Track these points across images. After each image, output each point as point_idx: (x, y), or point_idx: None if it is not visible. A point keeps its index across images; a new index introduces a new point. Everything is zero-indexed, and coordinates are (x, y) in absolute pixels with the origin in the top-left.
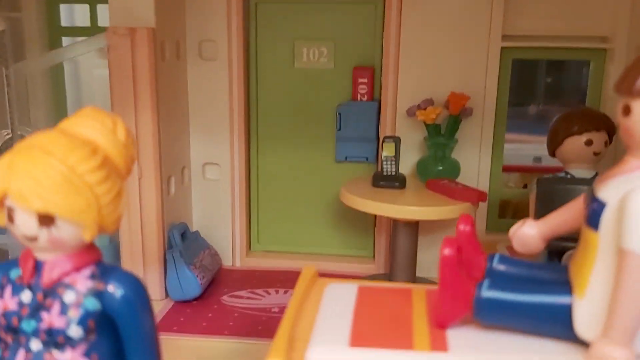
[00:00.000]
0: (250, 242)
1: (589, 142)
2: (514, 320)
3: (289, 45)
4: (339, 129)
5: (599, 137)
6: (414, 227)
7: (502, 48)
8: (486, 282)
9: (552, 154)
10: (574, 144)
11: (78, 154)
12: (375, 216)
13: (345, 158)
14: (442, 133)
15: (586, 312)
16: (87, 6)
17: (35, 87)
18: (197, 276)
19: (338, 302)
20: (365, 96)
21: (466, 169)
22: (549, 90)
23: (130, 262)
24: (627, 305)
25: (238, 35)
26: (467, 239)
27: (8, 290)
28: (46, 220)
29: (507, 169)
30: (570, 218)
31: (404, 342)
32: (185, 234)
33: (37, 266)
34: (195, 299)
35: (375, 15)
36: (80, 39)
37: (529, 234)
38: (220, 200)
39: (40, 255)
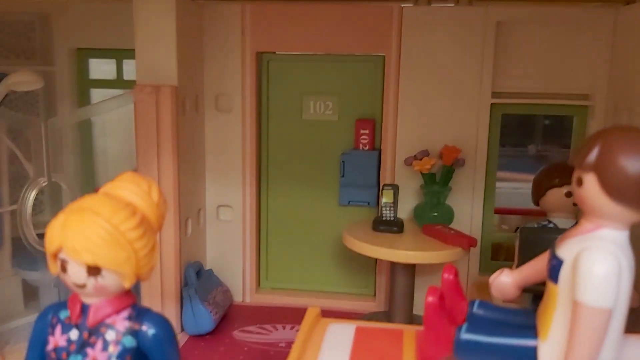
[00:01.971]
0: (260, 279)
1: (568, 194)
2: (488, 359)
3: (297, 99)
4: (343, 175)
5: None
6: (411, 268)
7: (492, 104)
8: (465, 326)
9: (536, 203)
10: (555, 195)
11: (121, 214)
12: (375, 261)
13: (348, 202)
14: (437, 181)
15: (548, 354)
16: (114, 61)
17: (67, 137)
18: (211, 312)
19: (337, 342)
20: (367, 145)
21: (460, 215)
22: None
23: (149, 299)
24: (581, 349)
25: (251, 90)
26: (450, 287)
27: (58, 329)
28: (94, 271)
29: (499, 212)
30: (541, 269)
31: None
32: (200, 272)
33: (84, 309)
34: (208, 334)
35: (375, 72)
36: (106, 91)
37: (505, 282)
38: (232, 240)
39: (86, 300)
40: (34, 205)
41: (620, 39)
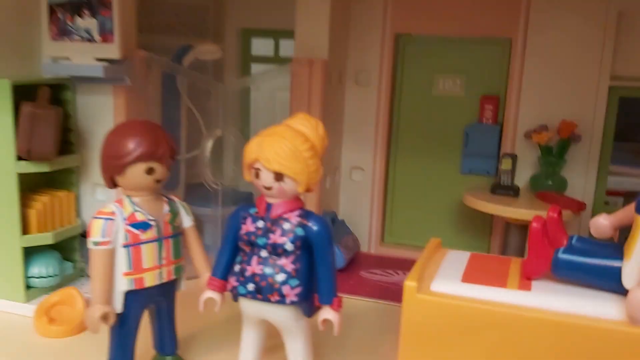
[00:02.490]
0: (384, 234)
1: None
2: (581, 277)
3: (428, 76)
4: (466, 146)
5: None
6: (524, 230)
7: (610, 87)
8: (562, 249)
9: None
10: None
11: (299, 139)
12: (491, 220)
13: (469, 171)
14: (553, 154)
15: (630, 270)
16: (272, 40)
17: (234, 101)
18: (343, 252)
19: (455, 260)
20: (490, 120)
21: (572, 187)
22: None
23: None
24: None
25: (387, 67)
26: (553, 223)
27: (249, 220)
28: (279, 177)
29: (610, 194)
30: (631, 214)
31: (500, 281)
32: (334, 219)
33: (267, 207)
34: (340, 271)
35: (502, 54)
36: (264, 65)
37: (603, 223)
38: (361, 198)
39: (270, 200)
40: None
41: None
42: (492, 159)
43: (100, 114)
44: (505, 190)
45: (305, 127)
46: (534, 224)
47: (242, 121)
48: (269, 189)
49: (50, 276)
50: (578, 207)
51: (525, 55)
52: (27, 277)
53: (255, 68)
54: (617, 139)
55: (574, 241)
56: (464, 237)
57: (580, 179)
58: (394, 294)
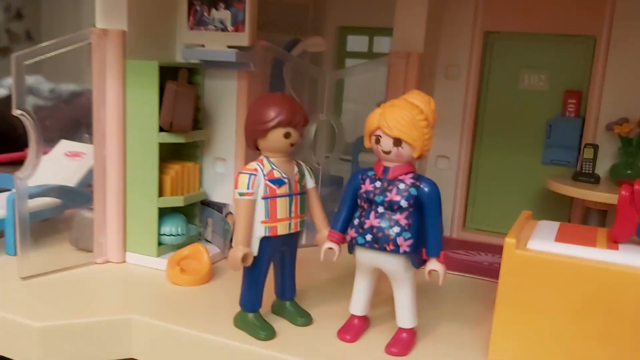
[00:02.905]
0: (466, 220)
1: None
2: None
3: (514, 71)
4: (548, 137)
5: None
6: (603, 215)
7: None
8: None
9: None
10: None
11: (416, 110)
12: (570, 208)
13: (551, 161)
14: (633, 144)
15: None
16: (366, 37)
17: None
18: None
19: (547, 227)
20: (572, 113)
21: None
22: None
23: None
24: None
25: (476, 62)
26: (639, 194)
27: (367, 181)
28: (397, 142)
29: None
30: None
31: (589, 243)
32: None
33: (385, 170)
34: None
35: (586, 50)
36: (358, 60)
37: None
38: (445, 185)
39: (387, 164)
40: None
41: None
42: (573, 150)
43: (225, 96)
44: (587, 177)
45: (420, 101)
46: (623, 192)
47: (336, 110)
48: (387, 153)
49: (178, 235)
50: None
51: (608, 52)
52: (159, 235)
53: (350, 63)
54: None
55: None
56: None
57: None
58: (478, 269)
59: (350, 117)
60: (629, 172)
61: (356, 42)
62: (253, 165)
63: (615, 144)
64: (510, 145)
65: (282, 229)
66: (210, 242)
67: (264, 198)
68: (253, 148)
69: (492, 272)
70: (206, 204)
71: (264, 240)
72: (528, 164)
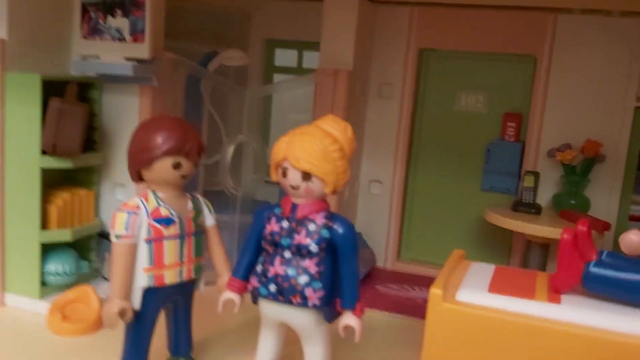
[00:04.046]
0: (400, 250)
1: None
2: (612, 292)
3: (451, 92)
4: (487, 163)
5: None
6: (545, 249)
7: (636, 107)
8: (593, 262)
9: None
10: None
11: (328, 139)
12: (511, 239)
13: (490, 188)
14: (577, 173)
15: None
16: (295, 51)
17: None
18: (359, 264)
19: (480, 271)
20: (512, 137)
21: (596, 206)
22: None
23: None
24: None
25: (410, 81)
26: (583, 237)
27: (273, 220)
28: (307, 176)
29: (634, 219)
30: None
31: (528, 293)
32: None
33: (293, 207)
34: None
35: (526, 71)
36: (287, 76)
37: (633, 240)
38: (379, 212)
39: (296, 200)
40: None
41: None
42: (513, 177)
43: (126, 114)
44: (527, 207)
45: (335, 128)
46: (565, 235)
47: (263, 129)
48: (296, 188)
49: (66, 274)
50: (603, 226)
51: (550, 73)
52: (43, 274)
53: (278, 78)
54: None
55: (604, 256)
56: (483, 255)
57: (603, 199)
58: (410, 308)
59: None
60: (572, 202)
61: (285, 57)
62: (134, 201)
63: (558, 171)
64: (447, 170)
65: (170, 278)
66: (108, 279)
67: (148, 241)
68: (137, 180)
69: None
70: (104, 235)
71: (147, 292)
72: (466, 190)
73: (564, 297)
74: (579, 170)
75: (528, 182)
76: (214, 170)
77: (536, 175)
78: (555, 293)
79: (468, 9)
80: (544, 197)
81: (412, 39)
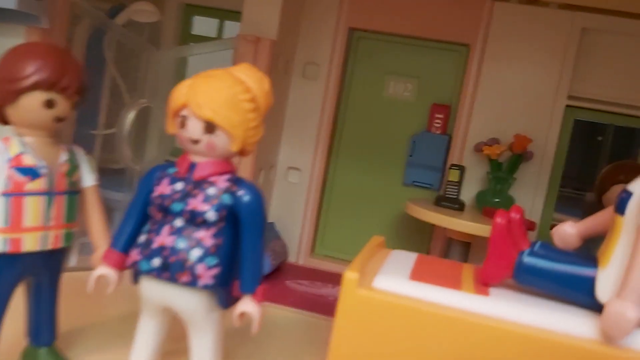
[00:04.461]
0: (315, 245)
1: None
2: (546, 285)
3: (379, 77)
4: (411, 155)
5: None
6: (466, 248)
7: (566, 106)
8: (527, 251)
9: (599, 199)
10: (619, 191)
11: (240, 87)
12: (430, 236)
13: (412, 182)
14: (503, 170)
15: (606, 279)
16: (217, 20)
17: (165, 72)
18: (270, 256)
19: (401, 258)
20: (439, 130)
21: (520, 206)
22: None
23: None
24: (638, 273)
25: (338, 62)
26: (516, 225)
27: (165, 181)
28: (210, 128)
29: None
30: (603, 221)
31: (454, 283)
32: None
33: (191, 167)
34: (263, 277)
35: (458, 61)
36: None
37: (568, 232)
38: (295, 202)
39: (195, 158)
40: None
41: None
42: (437, 171)
43: None
44: (450, 203)
45: (249, 77)
46: (498, 219)
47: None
48: (196, 142)
49: None
50: (528, 226)
51: (482, 64)
52: None
53: None
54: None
55: (537, 247)
56: None
57: (527, 199)
58: (320, 306)
59: None
60: (496, 200)
61: (205, 25)
62: None
63: (484, 168)
64: (370, 161)
65: (31, 244)
66: None
67: (5, 195)
68: (0, 121)
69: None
70: None
71: (1, 258)
72: (388, 183)
73: (492, 290)
74: (506, 167)
75: (453, 176)
76: (114, 143)
77: (462, 169)
78: (483, 285)
79: None
80: (468, 194)
81: (342, 17)
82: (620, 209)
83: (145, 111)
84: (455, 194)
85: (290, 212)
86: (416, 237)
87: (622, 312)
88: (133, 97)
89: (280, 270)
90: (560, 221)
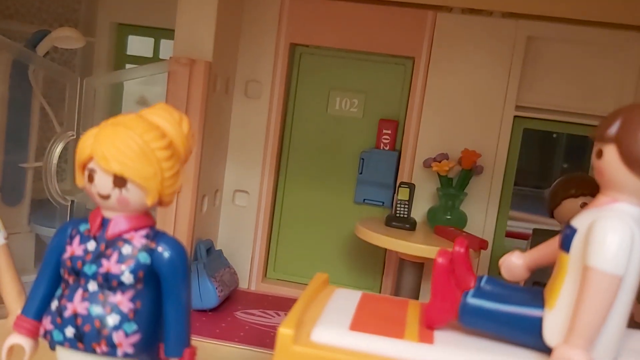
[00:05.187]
0: (267, 269)
1: (583, 205)
2: (493, 327)
3: (324, 93)
4: (361, 173)
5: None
6: (419, 268)
7: (515, 117)
8: (471, 292)
9: (551, 214)
10: (571, 205)
11: (152, 133)
12: (384, 256)
13: (364, 200)
14: (453, 185)
15: (553, 321)
16: (152, 39)
17: (97, 100)
18: (217, 288)
19: (344, 301)
20: (388, 145)
21: (473, 222)
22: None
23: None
24: (588, 314)
25: (281, 79)
26: (460, 260)
27: (76, 240)
28: (120, 182)
29: (511, 236)
30: (550, 252)
31: (396, 333)
32: (210, 249)
33: (104, 223)
34: (212, 310)
35: (404, 74)
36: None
37: (515, 263)
38: (244, 226)
39: (107, 214)
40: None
41: None
42: (388, 188)
43: None
44: (401, 222)
45: (165, 120)
46: (440, 259)
47: None
48: (105, 197)
49: None
50: (480, 245)
51: (427, 77)
52: None
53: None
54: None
55: (483, 282)
56: (354, 274)
57: (480, 214)
58: (271, 339)
59: None
60: (447, 217)
61: (140, 45)
62: None
63: (434, 183)
64: (319, 180)
65: None
66: None
67: None
68: None
69: None
70: None
71: None
72: (339, 202)
73: (437, 335)
74: (456, 182)
75: (402, 194)
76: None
77: (411, 187)
78: (428, 329)
79: (342, 2)
80: (419, 211)
81: (283, 33)
82: (565, 245)
83: (76, 143)
84: (406, 212)
85: (240, 236)
86: (370, 256)
87: (569, 358)
88: (64, 128)
89: (231, 299)
90: (518, 219)
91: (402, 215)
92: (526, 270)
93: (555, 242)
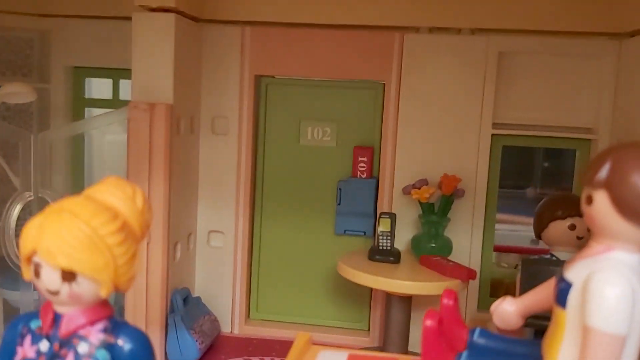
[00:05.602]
0: (250, 310)
1: (572, 227)
2: None
3: (295, 124)
4: (339, 204)
5: (581, 222)
6: (407, 301)
7: (493, 135)
8: (465, 354)
9: (538, 236)
10: (558, 228)
11: (101, 218)
12: (371, 289)
13: (344, 231)
14: (435, 212)
15: None
16: (110, 80)
17: (57, 153)
18: (197, 341)
19: None
20: (365, 173)
21: (458, 247)
22: (547, 174)
23: (132, 324)
24: None
25: (248, 113)
26: (449, 313)
27: (28, 340)
28: (68, 276)
29: (499, 249)
30: (545, 297)
31: None
32: (187, 298)
33: (56, 318)
34: None
35: (375, 99)
36: (102, 110)
37: (507, 310)
38: (222, 267)
39: (59, 309)
40: (19, 222)
41: (624, 72)
42: (368, 217)
43: None
44: (384, 255)
45: (116, 197)
46: (428, 322)
47: (74, 178)
48: (55, 294)
49: None
50: (468, 275)
51: (399, 100)
52: None
53: (92, 113)
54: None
55: (475, 337)
56: (341, 309)
57: (465, 238)
58: None
59: (102, 175)
60: (432, 245)
61: (99, 86)
62: None
63: (416, 210)
64: (297, 214)
65: None
66: None
67: None
68: None
69: None
70: None
71: None
72: (320, 235)
73: None
74: (438, 208)
75: (384, 225)
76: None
77: (392, 217)
78: None
79: (305, 29)
80: (403, 239)
81: (246, 65)
82: (561, 301)
83: (41, 202)
84: (389, 245)
85: (218, 279)
86: (355, 289)
87: None
88: (21, 189)
89: (213, 348)
90: (504, 222)
91: (385, 248)
92: (519, 318)
93: (549, 286)
